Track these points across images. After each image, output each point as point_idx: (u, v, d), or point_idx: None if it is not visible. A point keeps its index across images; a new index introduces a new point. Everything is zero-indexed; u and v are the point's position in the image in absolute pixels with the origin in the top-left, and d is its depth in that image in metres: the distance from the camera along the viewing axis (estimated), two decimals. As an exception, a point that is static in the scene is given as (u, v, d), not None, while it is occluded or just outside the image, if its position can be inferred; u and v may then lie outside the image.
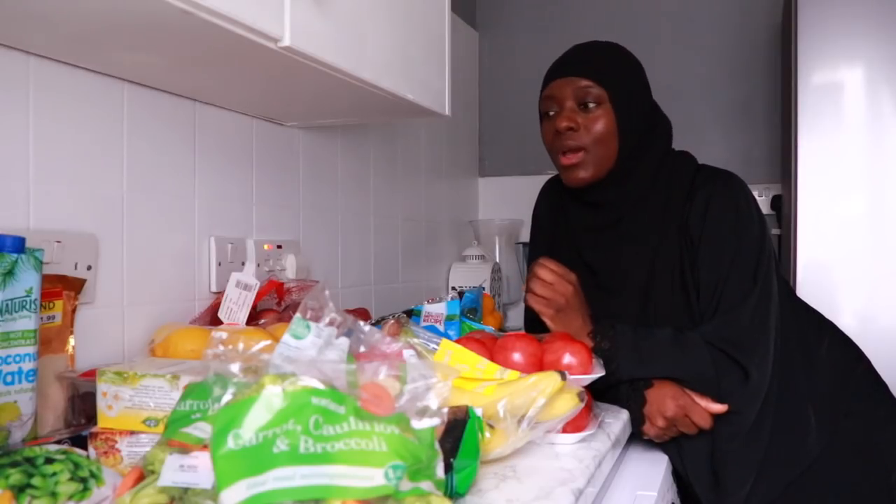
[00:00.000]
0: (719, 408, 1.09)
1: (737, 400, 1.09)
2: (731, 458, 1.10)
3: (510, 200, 2.45)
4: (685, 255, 1.18)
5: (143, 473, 0.60)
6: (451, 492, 0.67)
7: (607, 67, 1.20)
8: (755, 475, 1.10)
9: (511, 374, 0.90)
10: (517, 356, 0.98)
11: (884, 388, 1.26)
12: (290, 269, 1.40)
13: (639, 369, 1.10)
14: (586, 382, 0.98)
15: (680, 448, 1.15)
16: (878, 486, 1.16)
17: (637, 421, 1.11)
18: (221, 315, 1.13)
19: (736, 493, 1.10)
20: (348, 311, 0.78)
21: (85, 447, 0.75)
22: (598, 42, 1.25)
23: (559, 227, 1.36)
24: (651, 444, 1.16)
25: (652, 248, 1.20)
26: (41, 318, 0.85)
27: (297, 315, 0.73)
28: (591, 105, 1.17)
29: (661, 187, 1.22)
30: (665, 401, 1.09)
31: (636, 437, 1.14)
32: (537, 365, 0.99)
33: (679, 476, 1.18)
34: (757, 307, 1.13)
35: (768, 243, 1.18)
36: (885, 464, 1.17)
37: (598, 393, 1.11)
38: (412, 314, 1.35)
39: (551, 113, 1.21)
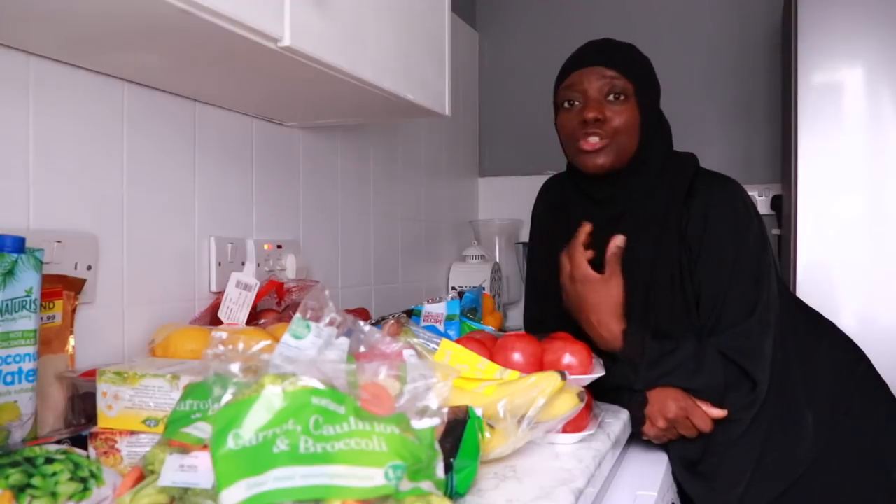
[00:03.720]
0: (719, 413, 1.10)
1: (740, 409, 1.10)
2: (725, 460, 1.11)
3: (510, 200, 2.45)
4: (684, 261, 1.18)
5: (143, 473, 0.60)
6: (451, 492, 0.67)
7: (632, 62, 1.20)
8: (749, 475, 1.10)
9: (511, 374, 0.90)
10: (517, 356, 0.98)
11: (884, 388, 1.26)
12: (290, 269, 1.40)
13: (655, 382, 1.11)
14: (586, 382, 0.98)
15: (668, 449, 1.16)
16: (878, 486, 1.16)
17: (638, 421, 1.11)
18: (221, 315, 1.13)
19: (728, 493, 1.10)
20: (348, 311, 0.78)
21: (85, 447, 0.75)
22: (616, 40, 1.25)
23: (559, 225, 1.36)
24: (651, 444, 1.16)
25: (652, 247, 1.20)
26: (41, 318, 0.84)
27: (297, 315, 0.73)
28: (619, 97, 1.17)
29: (663, 187, 1.22)
30: (667, 402, 1.09)
31: (636, 437, 1.14)
32: (537, 365, 0.99)
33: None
34: (762, 315, 1.13)
35: (767, 247, 1.18)
36: (886, 464, 1.17)
37: (598, 393, 1.11)
38: (412, 314, 1.35)
39: (575, 102, 1.19)
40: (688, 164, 1.25)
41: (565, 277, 1.14)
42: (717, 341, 1.12)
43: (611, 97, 1.17)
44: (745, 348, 1.11)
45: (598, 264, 1.22)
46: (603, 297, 1.10)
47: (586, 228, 1.12)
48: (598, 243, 1.28)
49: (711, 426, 1.10)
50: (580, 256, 1.12)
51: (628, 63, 1.19)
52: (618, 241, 1.11)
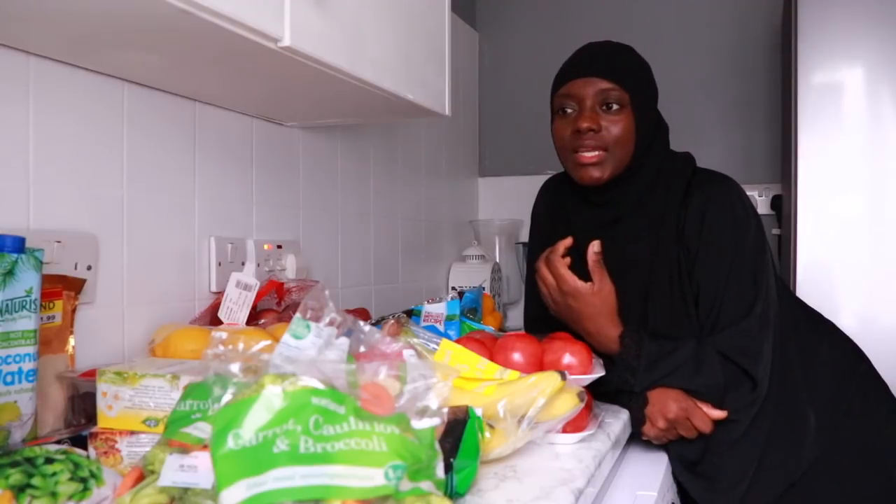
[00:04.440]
0: (719, 414, 1.10)
1: (740, 409, 1.10)
2: (727, 459, 1.11)
3: (510, 200, 2.45)
4: (682, 261, 1.18)
5: (143, 473, 0.60)
6: (451, 492, 0.67)
7: (629, 71, 1.19)
8: (751, 474, 1.10)
9: (511, 374, 0.90)
10: (517, 356, 0.98)
11: (884, 387, 1.26)
12: (290, 269, 1.40)
13: (654, 384, 1.10)
14: (586, 382, 0.98)
15: (668, 449, 1.16)
16: (879, 485, 1.16)
17: (638, 421, 1.11)
18: (221, 315, 1.13)
19: (729, 492, 1.10)
20: (348, 311, 0.78)
21: (85, 447, 0.75)
22: (615, 43, 1.24)
23: (558, 226, 1.36)
24: (651, 443, 1.16)
25: (651, 248, 1.20)
26: (41, 318, 0.84)
27: (297, 315, 0.73)
28: (614, 107, 1.16)
29: (660, 188, 1.22)
30: (667, 402, 1.09)
31: (636, 437, 1.14)
32: (537, 365, 0.99)
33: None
34: (761, 313, 1.13)
35: (765, 246, 1.18)
36: (886, 463, 1.17)
37: (598, 392, 1.11)
38: (412, 314, 1.35)
39: (569, 111, 1.20)
40: (685, 163, 1.25)
41: (553, 291, 1.13)
42: (716, 341, 1.12)
43: (604, 107, 1.17)
44: (744, 347, 1.11)
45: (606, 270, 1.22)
46: (597, 306, 1.10)
47: (566, 242, 1.12)
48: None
49: (712, 427, 1.10)
50: (565, 270, 1.11)
51: (624, 72, 1.18)
52: (594, 247, 1.10)
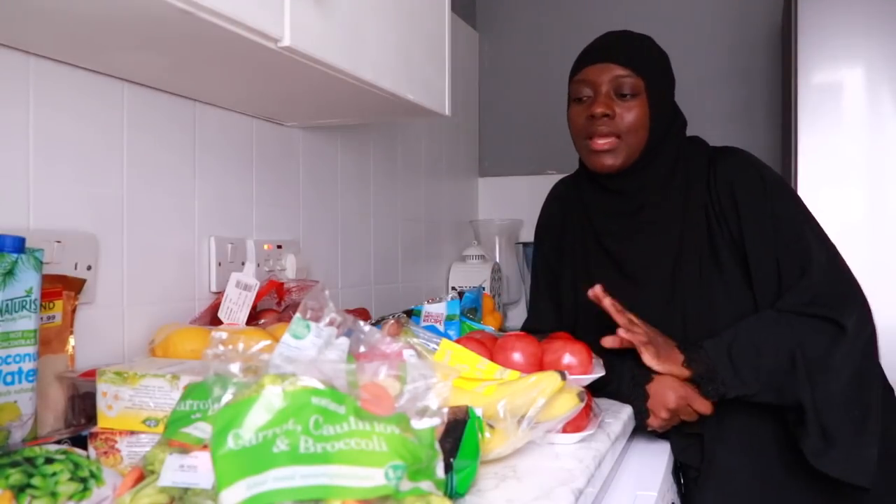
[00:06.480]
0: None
1: (830, 358, 1.07)
2: (834, 405, 1.06)
3: (510, 200, 2.45)
4: (719, 235, 1.17)
5: (143, 473, 0.60)
6: (451, 492, 0.67)
7: (645, 58, 1.20)
8: (863, 424, 1.05)
9: (511, 374, 0.90)
10: (517, 356, 0.98)
11: (889, 389, 1.25)
12: (290, 269, 1.40)
13: (738, 377, 1.08)
14: (586, 382, 0.98)
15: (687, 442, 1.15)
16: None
17: (642, 415, 1.11)
18: (221, 315, 1.13)
19: (849, 439, 1.05)
20: (348, 311, 0.78)
21: (85, 447, 0.75)
22: (633, 32, 1.25)
23: (575, 225, 1.34)
24: (652, 443, 1.17)
25: (677, 237, 1.20)
26: (41, 318, 0.84)
27: (297, 315, 0.73)
28: (628, 94, 1.17)
29: (680, 175, 1.22)
30: (666, 393, 1.09)
31: (638, 435, 1.14)
32: (537, 365, 0.99)
33: (679, 476, 1.17)
34: (826, 260, 1.12)
35: (801, 201, 1.19)
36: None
37: (596, 390, 1.11)
38: (412, 314, 1.35)
39: (584, 97, 1.20)
40: (700, 147, 1.26)
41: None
42: (782, 304, 1.10)
43: (619, 94, 1.17)
44: (811, 299, 1.09)
45: (617, 266, 1.19)
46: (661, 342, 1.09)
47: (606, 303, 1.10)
48: (619, 236, 1.25)
49: (712, 409, 1.10)
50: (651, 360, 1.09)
51: (640, 59, 1.19)
52: (598, 290, 1.09)
